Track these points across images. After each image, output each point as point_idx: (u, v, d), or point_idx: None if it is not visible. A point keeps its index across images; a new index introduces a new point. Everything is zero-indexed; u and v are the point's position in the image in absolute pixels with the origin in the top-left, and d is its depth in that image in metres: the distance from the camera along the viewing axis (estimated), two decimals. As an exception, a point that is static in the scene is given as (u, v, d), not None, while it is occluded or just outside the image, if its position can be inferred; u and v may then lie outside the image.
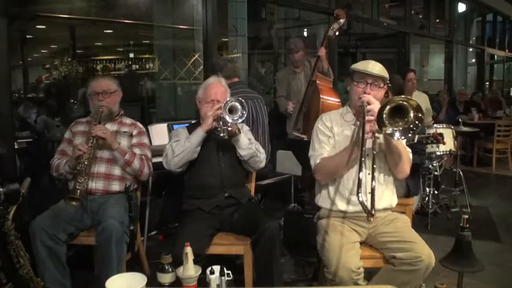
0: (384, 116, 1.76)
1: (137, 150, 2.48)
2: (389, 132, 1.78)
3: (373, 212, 1.69)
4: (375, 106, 1.87)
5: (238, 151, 2.32)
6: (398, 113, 1.77)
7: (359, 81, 2.00)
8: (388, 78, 2.05)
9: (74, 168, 2.29)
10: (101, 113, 2.41)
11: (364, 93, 1.97)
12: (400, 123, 1.77)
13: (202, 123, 2.28)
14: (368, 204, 1.76)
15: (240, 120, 2.20)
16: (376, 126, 1.80)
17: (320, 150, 2.06)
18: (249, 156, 2.33)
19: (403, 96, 1.81)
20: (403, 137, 1.79)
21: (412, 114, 1.75)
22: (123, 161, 2.38)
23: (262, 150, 2.40)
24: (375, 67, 1.99)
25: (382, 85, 2.02)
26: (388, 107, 1.76)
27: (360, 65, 2.01)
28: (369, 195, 1.97)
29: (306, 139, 3.20)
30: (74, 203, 2.14)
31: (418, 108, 1.74)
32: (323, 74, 3.50)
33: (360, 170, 1.77)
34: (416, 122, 1.75)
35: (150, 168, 2.51)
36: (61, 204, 2.32)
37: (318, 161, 2.04)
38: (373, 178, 1.79)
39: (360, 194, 1.71)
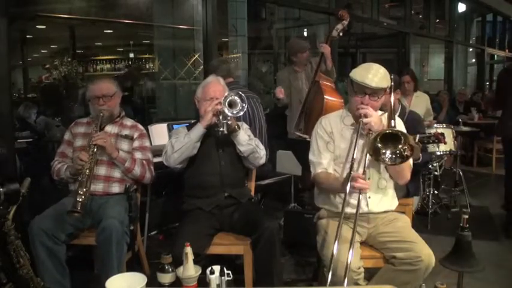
0: (378, 141, 1.81)
1: (138, 154, 2.48)
2: (382, 152, 1.82)
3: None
4: (372, 119, 1.90)
5: (238, 148, 2.32)
6: (391, 138, 1.82)
7: (358, 90, 1.97)
8: (389, 83, 2.02)
9: (75, 174, 2.30)
10: (102, 117, 2.41)
11: (362, 103, 1.96)
12: (390, 145, 1.82)
13: (202, 119, 2.28)
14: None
15: (241, 113, 2.20)
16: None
17: (319, 158, 2.08)
18: (249, 152, 2.33)
19: (405, 132, 1.85)
20: (388, 158, 1.83)
21: (401, 146, 1.81)
22: (123, 168, 2.39)
23: (262, 146, 2.41)
24: (374, 79, 1.90)
25: (381, 95, 1.99)
26: (382, 134, 1.81)
27: (359, 75, 1.93)
28: (368, 200, 2.01)
29: (308, 139, 3.20)
30: (76, 214, 2.14)
31: (411, 148, 1.79)
32: (326, 73, 3.49)
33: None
34: (403, 154, 1.81)
35: (152, 172, 2.51)
36: (60, 205, 2.32)
37: (318, 172, 2.06)
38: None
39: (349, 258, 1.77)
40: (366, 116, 1.90)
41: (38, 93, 6.80)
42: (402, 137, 1.80)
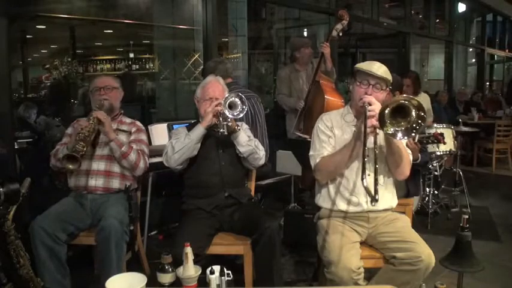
0: (386, 116, 1.75)
1: (134, 146, 2.49)
2: (391, 132, 1.76)
3: (377, 197, 1.66)
4: (376, 107, 1.86)
5: (237, 148, 2.32)
6: (400, 113, 1.75)
7: (361, 81, 1.99)
8: (390, 81, 2.03)
9: (73, 148, 2.22)
10: (102, 107, 2.41)
11: (366, 94, 1.96)
12: (403, 123, 1.75)
13: (202, 120, 2.29)
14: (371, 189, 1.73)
15: (241, 115, 2.20)
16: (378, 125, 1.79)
17: (321, 150, 2.06)
18: (249, 153, 2.33)
19: (404, 95, 1.80)
20: (406, 137, 1.77)
21: (414, 114, 1.73)
22: (119, 152, 2.37)
23: (261, 147, 2.41)
24: (379, 69, 1.97)
25: (384, 87, 2.00)
26: (389, 108, 1.74)
27: (365, 65, 1.99)
28: (368, 197, 1.99)
29: (308, 139, 3.20)
30: (70, 166, 2.12)
31: (419, 107, 1.72)
32: (327, 74, 3.49)
33: (364, 158, 1.74)
34: (419, 121, 1.73)
35: (146, 163, 2.50)
36: (61, 205, 2.32)
37: (318, 160, 2.04)
38: (376, 172, 1.75)
39: (364, 180, 1.68)
40: (370, 103, 1.88)
41: (47, 90, 6.77)
42: (410, 106, 1.71)
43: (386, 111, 1.74)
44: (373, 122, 1.81)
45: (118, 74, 8.65)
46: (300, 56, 3.87)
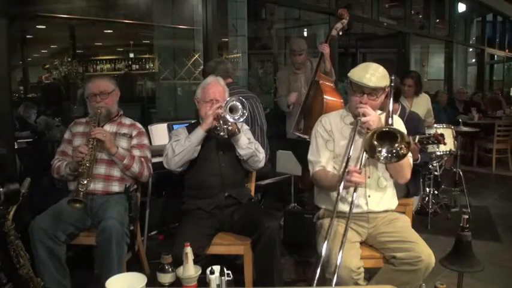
0: (375, 139, 1.82)
1: (137, 152, 2.48)
2: (379, 149, 1.83)
3: None
4: (370, 118, 1.90)
5: (237, 151, 2.31)
6: (387, 135, 1.83)
7: (356, 90, 1.98)
8: (388, 83, 2.01)
9: (75, 170, 2.29)
10: (100, 114, 2.41)
11: (361, 102, 1.96)
12: (387, 145, 1.84)
13: (202, 122, 2.28)
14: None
15: (241, 119, 2.20)
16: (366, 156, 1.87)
17: (318, 157, 2.07)
18: (249, 155, 2.33)
19: (401, 130, 1.87)
20: (384, 160, 1.85)
21: (397, 144, 1.82)
22: (122, 165, 2.38)
23: (261, 150, 2.41)
24: (371, 78, 1.90)
25: (380, 93, 1.99)
26: (379, 131, 1.82)
27: (357, 75, 1.93)
28: (368, 199, 2.01)
29: (307, 139, 3.20)
30: (77, 205, 2.14)
31: (407, 145, 1.80)
32: (325, 75, 3.49)
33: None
34: (400, 152, 1.82)
35: (150, 170, 2.51)
36: (61, 204, 2.32)
37: (316, 170, 2.06)
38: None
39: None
40: (364, 114, 1.91)
41: (39, 92, 6.80)
42: (399, 135, 1.81)
43: (376, 135, 1.82)
44: (357, 180, 1.85)
45: (118, 74, 8.67)
46: (293, 59, 3.90)
